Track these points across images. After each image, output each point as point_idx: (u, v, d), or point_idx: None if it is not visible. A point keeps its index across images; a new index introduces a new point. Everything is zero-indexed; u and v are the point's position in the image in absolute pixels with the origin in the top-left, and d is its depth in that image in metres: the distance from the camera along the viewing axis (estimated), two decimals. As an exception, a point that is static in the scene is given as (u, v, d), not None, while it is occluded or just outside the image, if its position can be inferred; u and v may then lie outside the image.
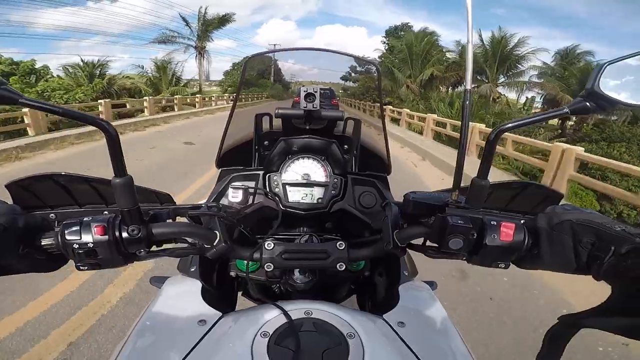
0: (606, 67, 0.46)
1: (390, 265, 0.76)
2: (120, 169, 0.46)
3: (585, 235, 0.46)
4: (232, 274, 0.81)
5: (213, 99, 22.50)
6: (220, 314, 0.56)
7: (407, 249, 0.60)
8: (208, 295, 0.62)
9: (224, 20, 31.70)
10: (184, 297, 0.63)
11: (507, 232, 0.50)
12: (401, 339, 0.52)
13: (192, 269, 0.70)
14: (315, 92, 0.75)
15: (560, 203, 0.60)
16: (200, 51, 31.93)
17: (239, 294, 0.93)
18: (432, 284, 0.79)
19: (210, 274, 0.73)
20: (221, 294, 0.75)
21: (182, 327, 0.54)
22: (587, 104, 0.46)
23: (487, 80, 21.95)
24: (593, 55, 21.51)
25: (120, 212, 0.48)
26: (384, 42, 29.94)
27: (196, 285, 0.65)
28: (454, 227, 0.49)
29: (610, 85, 0.45)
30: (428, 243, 0.57)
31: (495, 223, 0.51)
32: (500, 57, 21.33)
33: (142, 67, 26.30)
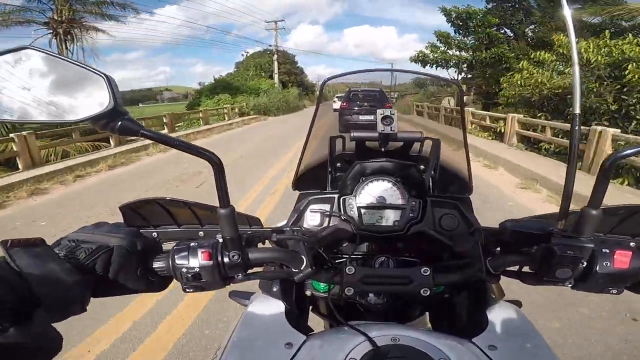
0: None
1: (475, 288, 0.73)
2: (225, 199, 0.49)
3: None
4: (308, 293, 0.82)
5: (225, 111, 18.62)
6: (305, 336, 0.57)
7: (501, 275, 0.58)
8: (291, 316, 0.64)
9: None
10: (269, 317, 0.64)
11: (623, 259, 0.48)
12: None
13: (275, 289, 0.71)
14: (393, 115, 0.75)
15: None
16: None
17: (309, 309, 0.94)
18: (517, 303, 0.75)
19: (290, 294, 0.75)
20: (298, 312, 0.77)
21: (270, 349, 0.55)
22: None
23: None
24: None
25: (223, 239, 0.52)
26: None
27: (279, 305, 0.66)
28: (562, 258, 0.47)
29: None
30: (525, 269, 0.55)
31: (607, 250, 0.48)
32: None
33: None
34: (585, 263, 0.48)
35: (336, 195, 0.82)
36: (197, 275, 0.51)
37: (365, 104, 9.92)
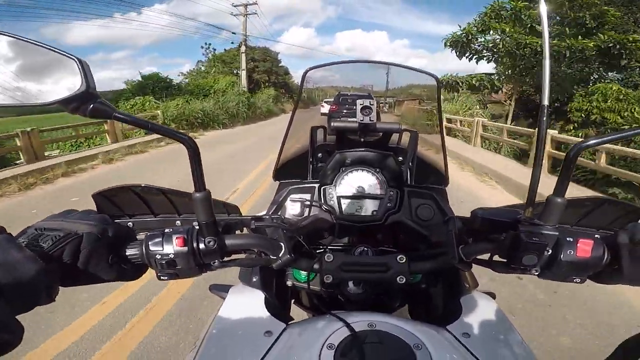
0: None
1: (449, 278, 0.75)
2: (200, 183, 0.48)
3: None
4: (289, 283, 0.83)
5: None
6: (284, 324, 0.57)
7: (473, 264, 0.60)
8: (270, 306, 0.64)
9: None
10: (248, 307, 0.65)
11: (585, 248, 0.49)
12: (467, 349, 0.52)
13: (254, 279, 0.72)
14: (372, 105, 0.75)
15: None
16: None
17: (292, 302, 0.95)
18: (491, 295, 0.78)
19: (270, 284, 0.75)
20: (279, 303, 0.77)
21: (250, 338, 0.55)
22: None
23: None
24: None
25: (198, 224, 0.51)
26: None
27: (259, 295, 0.67)
28: (528, 244, 0.48)
29: None
30: (495, 258, 0.56)
31: (571, 239, 0.50)
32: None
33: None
34: (550, 251, 0.49)
35: (316, 185, 0.82)
36: (172, 262, 0.50)
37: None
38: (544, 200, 0.49)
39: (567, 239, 0.50)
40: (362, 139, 0.80)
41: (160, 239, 0.50)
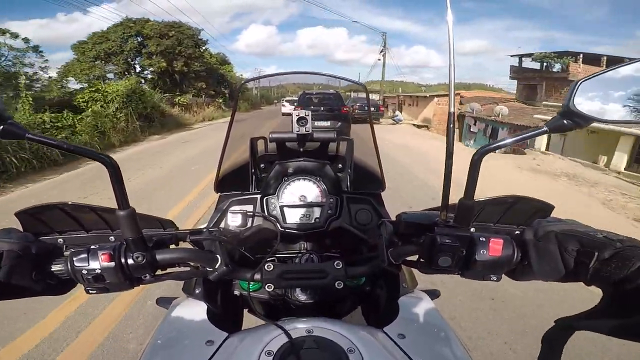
0: (580, 84, 0.48)
1: (389, 279, 0.77)
2: (123, 201, 0.48)
3: (570, 243, 0.48)
4: (236, 293, 0.83)
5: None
6: (227, 334, 0.58)
7: (402, 265, 0.62)
8: (214, 316, 0.64)
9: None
10: (191, 318, 0.64)
11: (496, 247, 0.51)
12: (402, 350, 0.53)
13: (197, 291, 0.71)
14: (307, 115, 0.77)
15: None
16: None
17: (245, 311, 0.95)
18: (434, 293, 0.80)
19: (215, 295, 0.75)
20: (227, 313, 0.77)
21: (191, 348, 0.55)
22: (564, 121, 0.48)
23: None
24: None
25: (125, 240, 0.51)
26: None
27: (201, 306, 0.67)
28: (442, 246, 0.51)
29: (585, 103, 0.48)
30: (421, 259, 0.58)
31: (484, 239, 0.52)
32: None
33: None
34: (464, 252, 0.52)
35: (259, 196, 0.83)
36: (100, 277, 0.50)
37: (322, 108, 9.03)
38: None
39: (480, 239, 0.52)
40: (301, 149, 0.82)
41: (86, 255, 0.50)
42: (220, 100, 25.71)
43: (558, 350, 0.49)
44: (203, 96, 23.82)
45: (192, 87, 23.42)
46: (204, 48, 24.54)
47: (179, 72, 22.12)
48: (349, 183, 0.94)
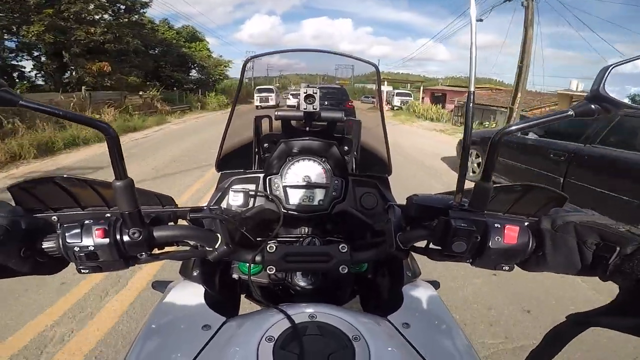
0: (612, 69, 0.45)
1: (393, 267, 0.76)
2: (121, 171, 0.46)
3: (590, 236, 0.46)
4: (235, 276, 0.81)
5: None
6: (224, 318, 0.56)
7: (410, 252, 0.60)
8: (211, 300, 0.62)
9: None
10: (187, 301, 0.63)
11: (511, 234, 0.50)
12: (406, 339, 0.52)
13: (195, 273, 0.69)
14: (315, 93, 0.74)
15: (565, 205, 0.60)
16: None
17: (242, 296, 0.93)
18: (435, 284, 0.79)
19: (213, 278, 0.73)
20: (224, 297, 0.75)
21: (187, 333, 0.54)
22: (592, 106, 0.46)
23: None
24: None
25: (121, 215, 0.48)
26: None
27: (199, 289, 0.65)
28: (457, 230, 0.49)
29: (615, 88, 0.45)
30: (431, 246, 0.57)
31: (499, 226, 0.50)
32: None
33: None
34: (479, 237, 0.50)
35: (261, 175, 0.81)
36: (93, 255, 0.47)
37: (326, 102, 9.12)
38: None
39: (495, 225, 0.50)
40: (307, 128, 0.79)
41: (79, 230, 0.47)
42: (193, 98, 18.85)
43: (559, 346, 0.48)
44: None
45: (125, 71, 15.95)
46: (143, 11, 17.09)
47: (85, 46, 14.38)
48: (354, 166, 0.91)
